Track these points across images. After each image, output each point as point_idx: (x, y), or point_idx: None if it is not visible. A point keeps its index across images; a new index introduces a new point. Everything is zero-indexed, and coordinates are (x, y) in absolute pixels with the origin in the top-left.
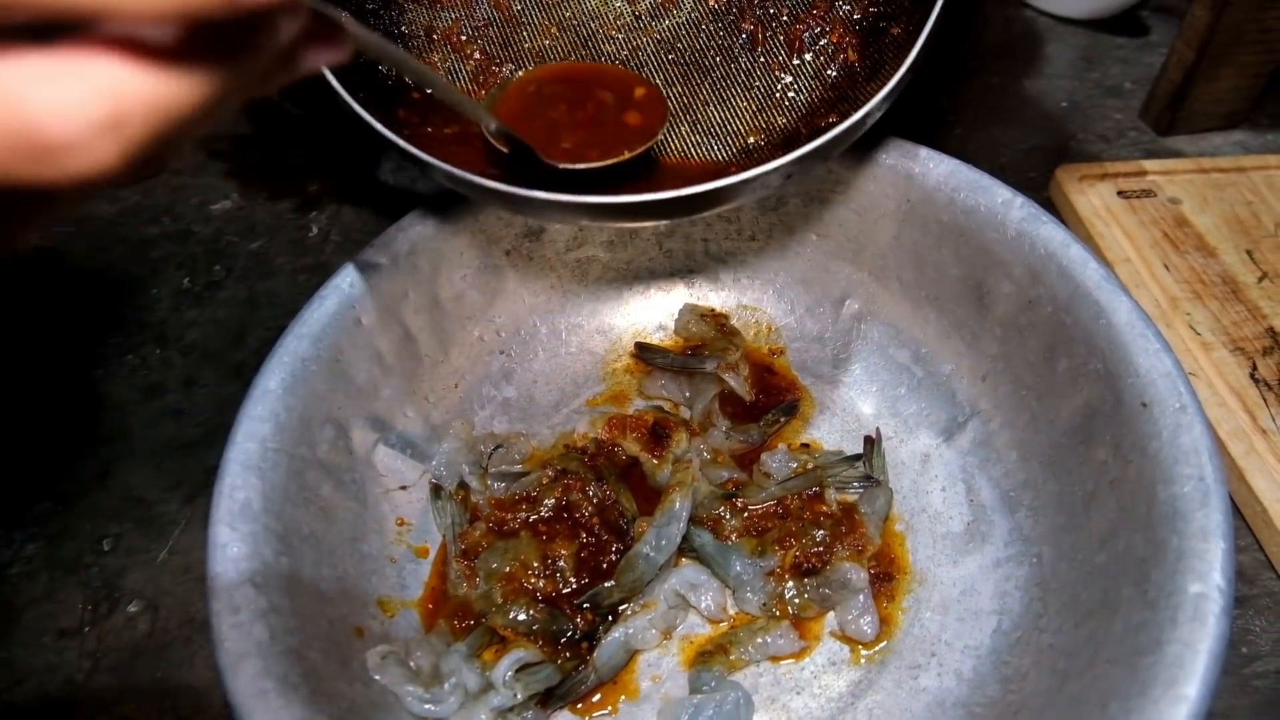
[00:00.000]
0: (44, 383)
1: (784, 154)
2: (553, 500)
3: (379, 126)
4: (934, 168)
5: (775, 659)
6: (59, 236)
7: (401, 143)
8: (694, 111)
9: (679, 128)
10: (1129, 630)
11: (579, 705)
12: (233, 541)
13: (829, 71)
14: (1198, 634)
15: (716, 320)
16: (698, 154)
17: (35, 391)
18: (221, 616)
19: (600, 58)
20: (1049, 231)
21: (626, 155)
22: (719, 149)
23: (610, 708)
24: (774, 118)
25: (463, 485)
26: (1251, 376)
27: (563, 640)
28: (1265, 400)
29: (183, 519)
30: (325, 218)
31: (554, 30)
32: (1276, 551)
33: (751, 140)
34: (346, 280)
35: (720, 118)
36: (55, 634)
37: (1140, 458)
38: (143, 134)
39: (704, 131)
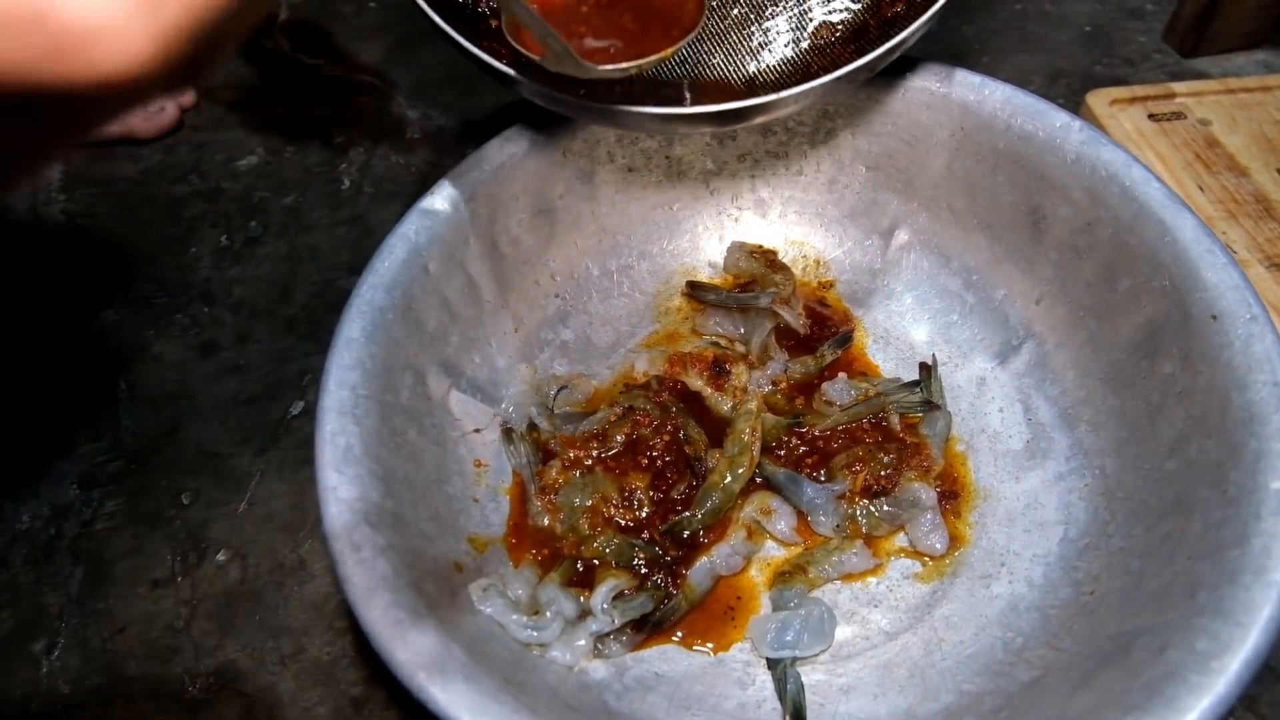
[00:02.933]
0: (98, 346)
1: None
2: (623, 436)
3: (476, 50)
4: (989, 94)
5: (850, 576)
6: (85, 201)
7: (495, 63)
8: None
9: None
10: (1209, 528)
11: (674, 635)
12: (341, 484)
13: None
14: None
15: (765, 256)
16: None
17: (92, 355)
18: (345, 555)
19: None
20: (1110, 154)
21: (665, 52)
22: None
23: (702, 635)
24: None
25: (533, 426)
26: None
27: (654, 567)
28: None
29: (257, 470)
30: (355, 170)
31: None
32: None
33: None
34: (412, 228)
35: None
36: (149, 584)
37: (1211, 368)
38: (181, 17)
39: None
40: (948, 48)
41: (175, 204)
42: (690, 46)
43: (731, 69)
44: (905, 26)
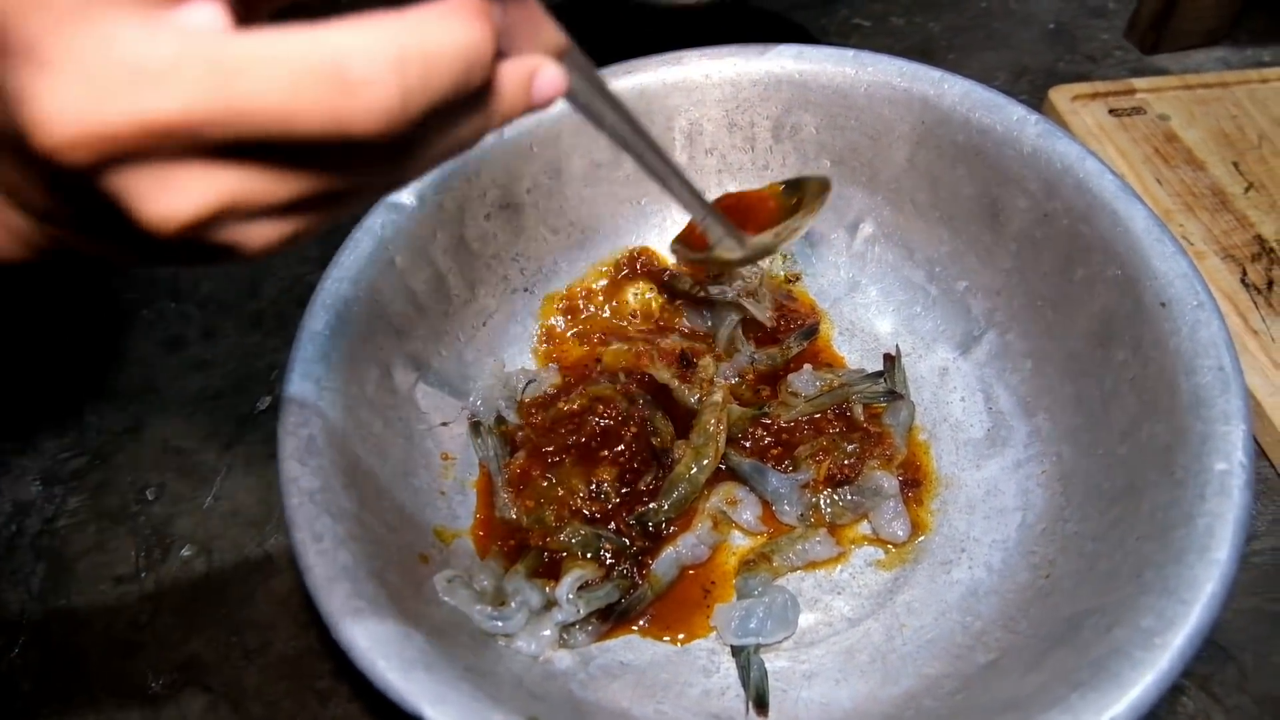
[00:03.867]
0: (62, 343)
1: None
2: (590, 427)
3: None
4: (949, 89)
5: (814, 564)
6: None
7: None
8: None
9: None
10: (1157, 509)
11: (640, 624)
12: (303, 475)
13: None
14: (1225, 506)
15: None
16: None
17: (56, 352)
18: (306, 545)
19: None
20: (1065, 146)
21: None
22: None
23: (669, 624)
24: None
25: (500, 420)
26: (1242, 282)
27: (619, 557)
28: (1255, 303)
29: (223, 466)
30: None
31: None
32: (1270, 441)
33: None
34: (378, 222)
35: None
36: (112, 580)
37: (1161, 354)
38: (417, 79)
39: None
40: (915, 45)
41: None
42: None
43: None
44: None
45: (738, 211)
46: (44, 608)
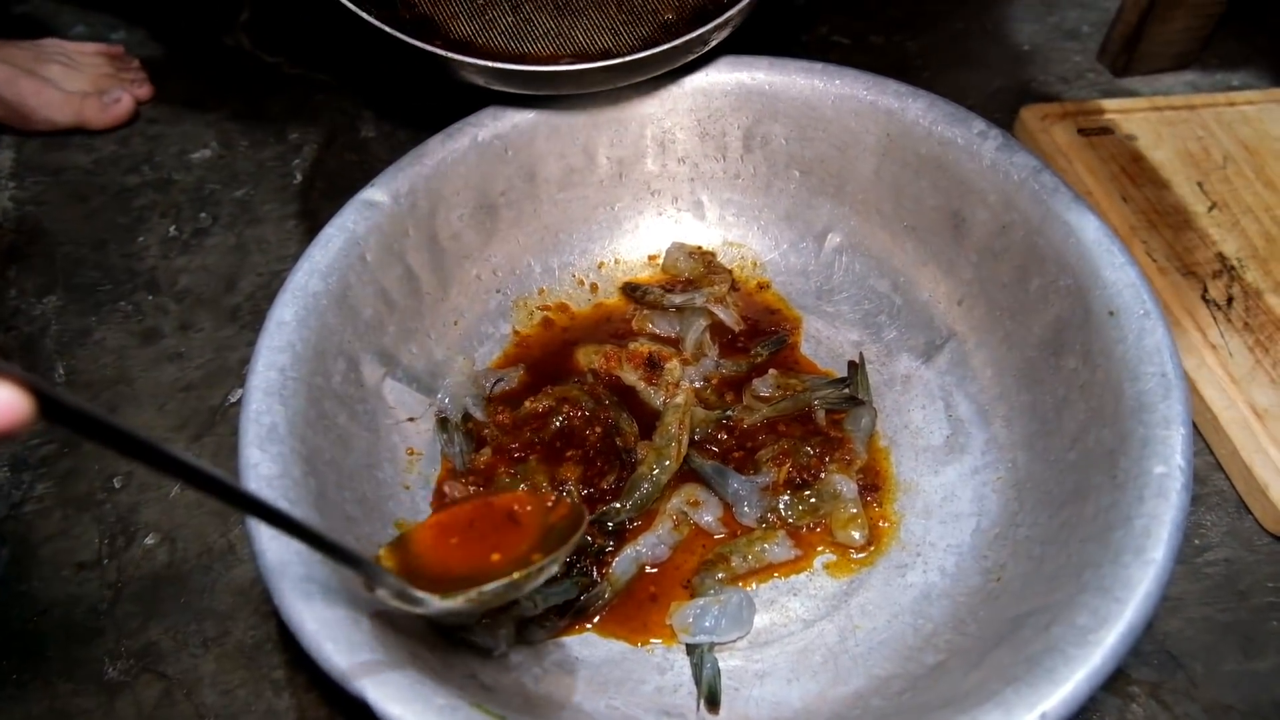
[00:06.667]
0: (38, 331)
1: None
2: (556, 426)
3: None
4: (913, 103)
5: (772, 566)
6: (35, 189)
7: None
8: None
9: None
10: (1100, 511)
11: (594, 622)
12: (263, 461)
13: None
14: (1162, 508)
15: (703, 257)
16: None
17: (31, 340)
18: (260, 530)
19: None
20: (1022, 159)
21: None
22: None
23: (626, 624)
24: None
25: (468, 417)
26: (1203, 298)
27: (580, 555)
28: (1215, 319)
29: (192, 456)
30: (308, 165)
31: None
32: (1225, 454)
33: (668, 17)
34: (350, 218)
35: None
36: (75, 567)
37: (1108, 361)
38: None
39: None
40: (892, 63)
41: (126, 194)
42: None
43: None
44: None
45: (481, 525)
46: (6, 592)
